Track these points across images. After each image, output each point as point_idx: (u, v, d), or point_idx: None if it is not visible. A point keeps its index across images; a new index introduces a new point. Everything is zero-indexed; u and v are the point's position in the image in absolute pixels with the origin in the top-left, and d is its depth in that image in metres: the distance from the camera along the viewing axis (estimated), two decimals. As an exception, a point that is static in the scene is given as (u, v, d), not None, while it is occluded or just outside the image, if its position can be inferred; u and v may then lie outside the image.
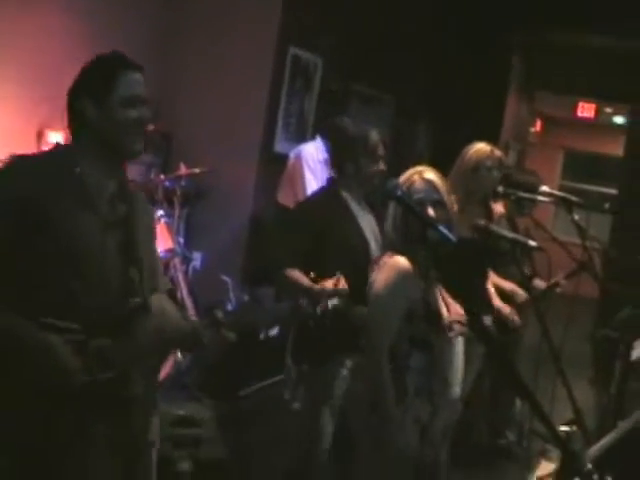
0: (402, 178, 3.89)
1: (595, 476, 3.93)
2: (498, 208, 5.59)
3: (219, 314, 3.15)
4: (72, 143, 3.06)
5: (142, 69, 3.06)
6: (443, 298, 3.94)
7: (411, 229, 3.79)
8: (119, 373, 2.94)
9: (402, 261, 3.81)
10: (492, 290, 5.60)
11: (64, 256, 2.87)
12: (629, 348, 4.44)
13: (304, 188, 7.10)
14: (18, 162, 2.98)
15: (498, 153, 5.41)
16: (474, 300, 4.88)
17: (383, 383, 3.74)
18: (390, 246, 3.91)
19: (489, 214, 5.46)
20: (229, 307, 7.01)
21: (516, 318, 5.59)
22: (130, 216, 3.09)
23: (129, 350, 2.97)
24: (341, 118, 6.63)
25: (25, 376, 2.81)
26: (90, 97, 2.97)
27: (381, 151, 4.88)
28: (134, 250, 3.08)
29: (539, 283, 5.97)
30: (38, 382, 2.81)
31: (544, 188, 5.46)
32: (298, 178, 7.20)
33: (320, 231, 4.60)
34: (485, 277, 5.43)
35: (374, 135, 4.92)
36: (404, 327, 3.68)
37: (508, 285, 5.71)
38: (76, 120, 3.03)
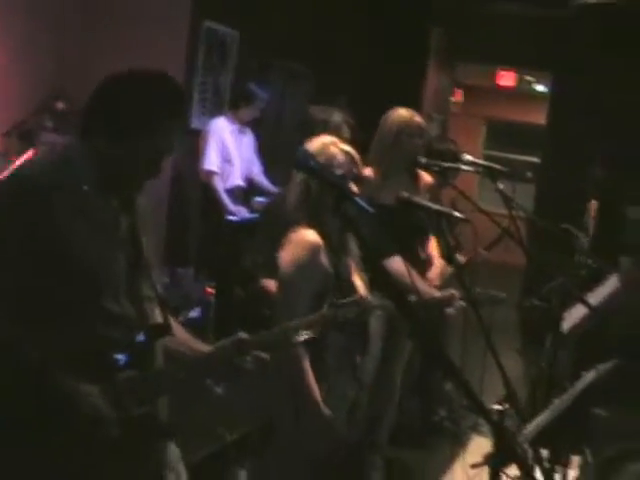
0: (314, 148, 3.73)
1: (530, 453, 3.88)
2: (426, 178, 5.46)
3: (243, 336, 2.97)
4: (72, 156, 2.77)
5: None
6: (355, 272, 3.80)
7: (323, 201, 3.63)
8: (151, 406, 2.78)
9: (310, 235, 3.65)
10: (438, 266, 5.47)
11: (84, 281, 2.66)
12: (559, 318, 4.34)
13: (205, 158, 7.61)
14: (25, 182, 2.67)
15: (419, 119, 5.28)
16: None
17: (300, 364, 3.58)
18: (297, 220, 3.74)
19: (416, 184, 5.34)
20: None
21: (458, 303, 5.49)
22: (134, 227, 2.87)
23: (158, 381, 2.80)
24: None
25: (68, 427, 2.62)
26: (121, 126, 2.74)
27: (346, 133, 4.76)
28: (145, 266, 2.88)
29: (464, 254, 5.89)
30: (78, 432, 2.62)
31: (468, 157, 5.34)
32: (202, 150, 7.62)
33: None
34: (412, 248, 5.31)
35: (336, 117, 4.80)
36: (317, 304, 3.52)
37: (435, 258, 5.59)
38: (90, 135, 2.78)
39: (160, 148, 2.78)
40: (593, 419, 6.38)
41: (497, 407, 4.51)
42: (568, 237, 6.26)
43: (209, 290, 7.48)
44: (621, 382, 7.59)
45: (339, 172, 3.67)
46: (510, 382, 3.33)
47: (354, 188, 3.64)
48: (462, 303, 5.32)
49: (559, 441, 4.65)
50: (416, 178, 5.38)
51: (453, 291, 5.26)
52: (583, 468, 5.76)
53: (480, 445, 5.80)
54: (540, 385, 4.51)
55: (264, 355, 2.98)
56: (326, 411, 3.61)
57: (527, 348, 6.74)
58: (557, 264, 5.81)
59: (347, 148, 3.79)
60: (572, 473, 5.55)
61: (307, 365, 3.58)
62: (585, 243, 6.53)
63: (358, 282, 3.79)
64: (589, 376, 3.29)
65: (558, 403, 3.13)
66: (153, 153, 2.77)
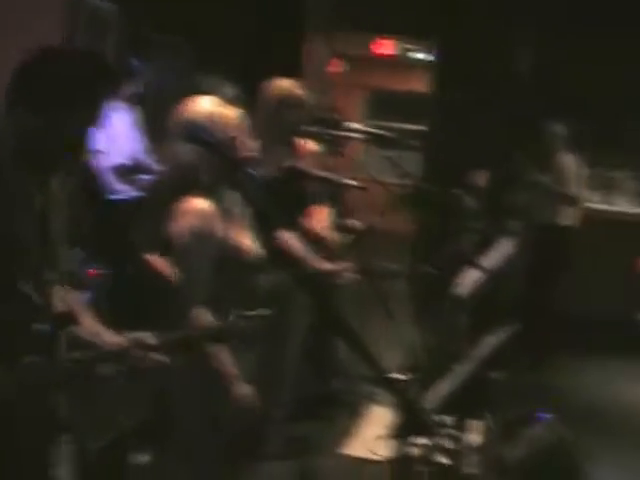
0: (199, 114, 3.64)
1: (434, 421, 3.87)
2: (310, 147, 5.40)
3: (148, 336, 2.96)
4: None
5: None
6: (242, 238, 3.74)
7: (214, 171, 3.56)
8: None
9: (202, 203, 3.57)
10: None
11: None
12: (452, 284, 4.35)
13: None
14: None
15: (299, 90, 5.22)
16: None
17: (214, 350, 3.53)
18: (185, 191, 3.65)
19: (298, 154, 5.28)
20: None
21: (348, 275, 5.45)
22: (48, 207, 2.78)
23: (60, 369, 2.72)
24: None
25: None
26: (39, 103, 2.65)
27: (236, 105, 4.63)
28: (54, 248, 2.79)
29: (354, 223, 5.86)
30: None
31: (355, 125, 5.30)
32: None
33: None
34: (298, 219, 5.25)
35: (227, 89, 4.70)
36: (218, 273, 3.45)
37: (321, 230, 5.53)
38: (12, 107, 2.70)
39: (81, 123, 2.70)
40: (492, 384, 6.43)
41: (399, 376, 4.50)
42: (458, 203, 6.30)
43: (95, 272, 7.29)
44: (517, 345, 7.72)
45: (226, 136, 3.60)
46: (409, 350, 3.31)
47: (245, 154, 3.59)
48: (355, 275, 5.31)
49: (461, 408, 4.67)
50: (299, 148, 5.33)
51: (345, 264, 5.24)
52: (486, 434, 5.81)
53: (378, 415, 5.79)
54: (438, 352, 4.51)
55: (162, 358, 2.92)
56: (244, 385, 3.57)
57: (422, 316, 6.74)
58: (447, 229, 5.84)
59: (232, 111, 3.72)
60: (475, 439, 5.59)
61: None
62: (475, 208, 6.59)
63: (247, 242, 3.74)
64: (490, 341, 3.27)
65: (459, 369, 3.11)
66: (74, 128, 2.69)
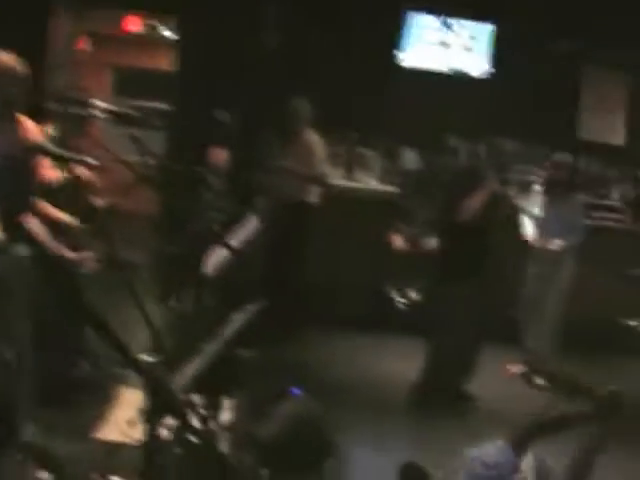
0: None
1: (184, 401, 3.82)
2: (30, 126, 5.18)
3: None
4: None
5: None
6: None
7: None
8: None
9: None
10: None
11: None
12: (200, 263, 4.31)
13: None
14: None
15: (18, 64, 5.02)
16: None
17: None
18: None
19: (21, 130, 5.08)
20: None
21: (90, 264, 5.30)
22: None
23: None
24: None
25: None
26: None
27: None
28: None
29: (98, 201, 5.73)
30: None
31: (98, 103, 5.15)
32: None
33: None
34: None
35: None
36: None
37: (61, 215, 5.37)
38: None
39: None
40: (241, 362, 6.46)
41: (147, 358, 4.42)
42: (202, 182, 6.26)
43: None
44: (266, 322, 7.78)
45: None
46: (157, 332, 3.25)
47: None
48: (96, 263, 5.21)
49: (211, 387, 4.66)
50: (19, 126, 5.12)
51: (87, 252, 5.12)
52: (236, 412, 5.83)
53: (130, 398, 5.69)
54: (186, 332, 4.47)
55: None
56: None
57: (169, 296, 6.67)
58: (193, 209, 5.80)
59: None
60: (226, 416, 5.60)
61: None
62: (220, 187, 6.58)
63: None
64: (237, 319, 3.26)
65: (207, 349, 3.08)
66: None
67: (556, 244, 7.82)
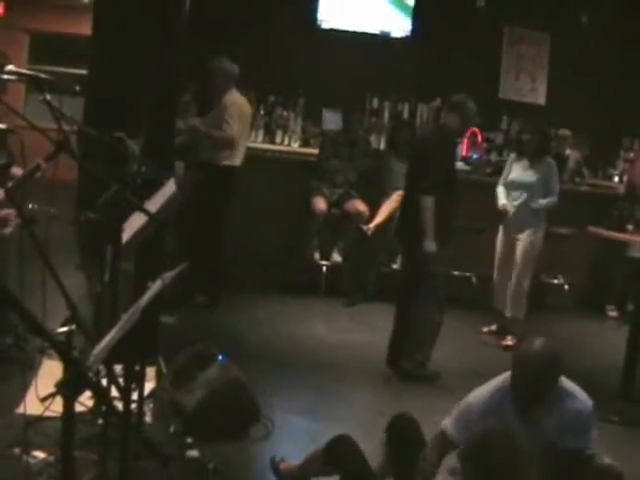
0: None
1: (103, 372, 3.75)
2: None
3: None
4: None
5: None
6: None
7: None
8: None
9: None
10: None
11: None
12: (118, 230, 4.21)
13: None
14: None
15: None
16: None
17: None
18: None
19: None
20: None
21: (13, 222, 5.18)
22: None
23: None
24: None
25: None
26: None
27: None
28: None
29: (16, 171, 5.59)
30: None
31: (10, 67, 5.00)
32: None
33: None
34: None
35: None
36: None
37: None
38: None
39: None
40: (162, 327, 6.40)
41: (63, 329, 4.34)
42: (121, 146, 6.13)
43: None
44: (188, 287, 7.71)
45: None
46: (73, 302, 3.16)
47: None
48: (17, 221, 5.08)
49: (132, 355, 4.59)
50: None
51: (8, 210, 4.99)
52: (159, 378, 5.77)
53: (52, 369, 5.57)
54: (105, 300, 4.38)
55: None
56: None
57: (88, 264, 6.55)
58: (111, 174, 5.68)
59: None
60: (149, 385, 5.53)
61: None
62: (137, 151, 6.45)
63: None
64: (156, 285, 3.19)
65: (126, 317, 3.01)
66: None
67: (534, 205, 7.85)
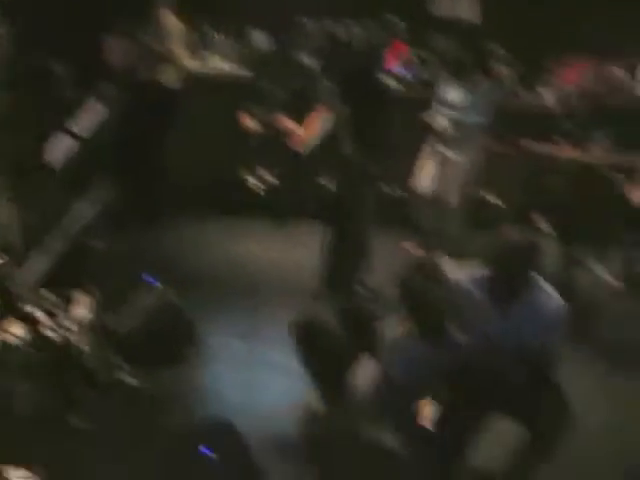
0: None
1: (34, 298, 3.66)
2: None
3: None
4: None
5: None
6: None
7: None
8: None
9: None
10: None
11: None
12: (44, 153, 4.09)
13: None
14: None
15: None
16: None
17: None
18: None
19: None
20: None
21: None
22: None
23: None
24: None
25: None
26: None
27: None
28: None
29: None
30: None
31: None
32: None
33: None
34: None
35: None
36: None
37: None
38: None
39: None
40: (94, 253, 6.28)
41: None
42: (45, 71, 5.95)
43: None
44: (120, 210, 7.55)
45: None
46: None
47: None
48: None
49: (64, 281, 4.52)
50: None
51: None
52: (92, 303, 5.66)
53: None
54: (32, 227, 4.26)
55: None
56: None
57: (17, 191, 6.37)
58: (39, 101, 5.51)
59: None
60: (82, 312, 5.42)
61: None
62: (65, 75, 6.26)
63: None
64: (83, 208, 3.08)
65: (55, 242, 2.89)
66: None
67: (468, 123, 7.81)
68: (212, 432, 3.66)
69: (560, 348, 4.14)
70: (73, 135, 4.05)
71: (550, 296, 4.08)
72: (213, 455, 3.41)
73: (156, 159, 8.20)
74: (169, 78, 8.03)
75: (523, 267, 3.99)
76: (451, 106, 7.86)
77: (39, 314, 3.89)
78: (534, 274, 4.05)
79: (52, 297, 4.63)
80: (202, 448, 3.46)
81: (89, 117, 4.30)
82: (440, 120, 7.89)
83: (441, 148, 7.96)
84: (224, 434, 3.67)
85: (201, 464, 3.41)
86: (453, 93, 7.90)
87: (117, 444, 4.17)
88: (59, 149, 4.08)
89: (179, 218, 8.37)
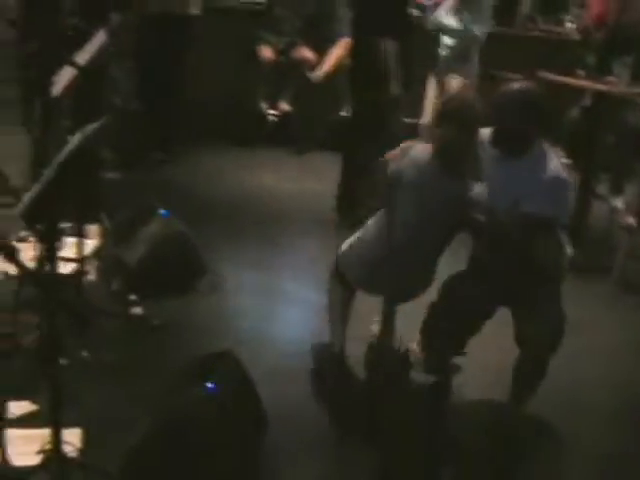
0: None
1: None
2: None
3: None
4: None
5: None
6: None
7: None
8: None
9: None
10: None
11: None
12: (49, 83, 4.05)
13: None
14: None
15: None
16: None
17: None
18: None
19: None
20: None
21: None
22: None
23: None
24: None
25: None
26: None
27: None
28: None
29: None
30: None
31: None
32: None
33: None
34: None
35: None
36: None
37: None
38: None
39: None
40: (107, 184, 6.28)
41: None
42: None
43: None
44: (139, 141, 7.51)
45: None
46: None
47: None
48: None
49: (77, 212, 4.56)
50: None
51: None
52: (102, 234, 5.67)
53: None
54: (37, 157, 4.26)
55: None
56: None
57: (27, 121, 6.32)
58: (44, 26, 5.46)
59: None
60: (91, 243, 5.44)
61: None
62: (71, 6, 6.20)
63: None
64: (75, 139, 3.04)
65: (47, 173, 2.86)
66: None
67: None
68: (216, 365, 3.63)
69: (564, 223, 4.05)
70: (75, 64, 4.00)
71: (557, 165, 3.95)
72: (216, 389, 3.39)
73: (173, 89, 8.14)
74: (187, 8, 7.92)
75: (521, 120, 3.88)
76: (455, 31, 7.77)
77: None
78: (539, 139, 3.95)
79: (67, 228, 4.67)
80: (206, 383, 3.43)
81: (91, 45, 4.26)
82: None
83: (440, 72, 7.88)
84: (228, 367, 3.66)
85: (203, 397, 3.41)
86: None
87: (120, 374, 4.17)
88: (63, 79, 4.04)
89: (194, 149, 8.32)
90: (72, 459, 3.16)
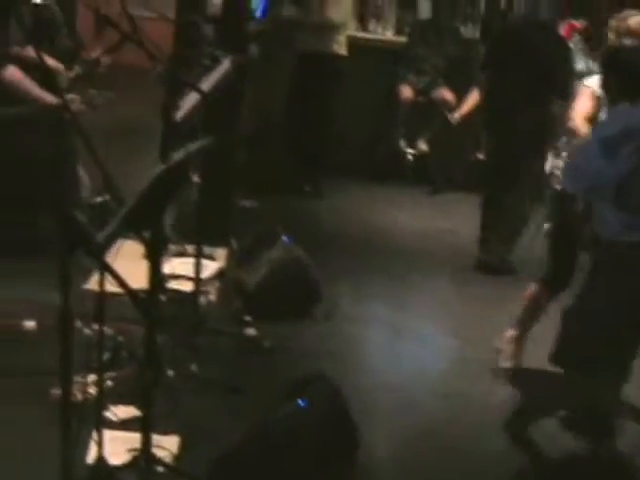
0: None
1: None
2: None
3: None
4: None
5: None
6: None
7: None
8: None
9: None
10: None
11: None
12: (174, 108, 4.25)
13: None
14: None
15: None
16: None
17: None
18: None
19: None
20: None
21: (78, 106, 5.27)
22: None
23: None
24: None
25: None
26: None
27: None
28: None
29: (88, 54, 5.67)
30: None
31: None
32: None
33: None
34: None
35: None
36: None
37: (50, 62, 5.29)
38: None
39: None
40: (240, 211, 6.50)
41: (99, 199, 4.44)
42: (195, 29, 6.16)
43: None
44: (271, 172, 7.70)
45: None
46: (108, 172, 3.23)
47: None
48: (82, 106, 5.19)
49: (206, 235, 4.77)
50: None
51: (74, 95, 5.13)
52: (229, 256, 5.87)
53: (129, 249, 5.70)
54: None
55: None
56: None
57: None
58: (186, 58, 5.72)
59: None
60: (216, 265, 5.64)
61: None
62: (210, 34, 6.47)
63: None
64: (174, 159, 3.18)
65: (141, 190, 3.00)
66: None
67: None
68: (314, 388, 3.74)
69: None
70: (199, 90, 4.20)
71: None
72: (306, 405, 3.50)
73: (322, 125, 8.35)
74: (335, 46, 8.15)
75: None
76: None
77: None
78: None
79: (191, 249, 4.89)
80: (300, 402, 3.54)
81: (216, 72, 4.45)
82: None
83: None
84: (322, 389, 3.75)
85: (293, 412, 3.52)
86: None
87: (224, 389, 4.31)
88: (187, 105, 4.24)
89: (328, 182, 8.44)
90: (159, 461, 3.31)
